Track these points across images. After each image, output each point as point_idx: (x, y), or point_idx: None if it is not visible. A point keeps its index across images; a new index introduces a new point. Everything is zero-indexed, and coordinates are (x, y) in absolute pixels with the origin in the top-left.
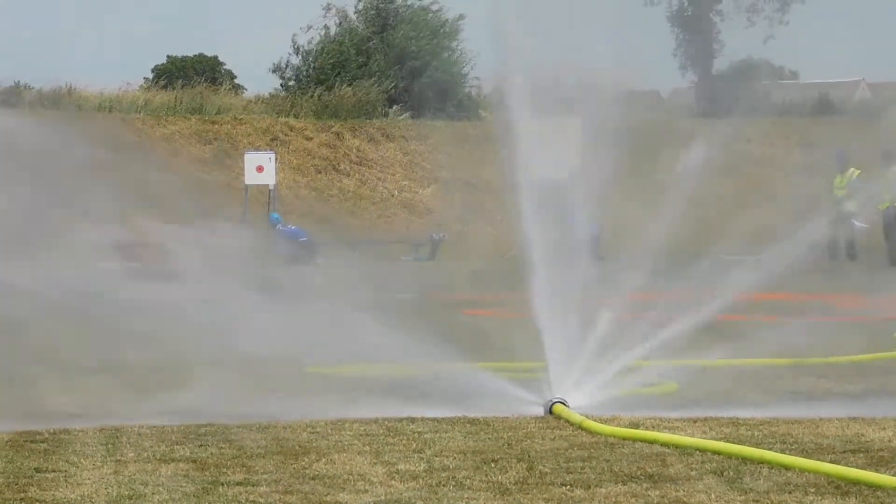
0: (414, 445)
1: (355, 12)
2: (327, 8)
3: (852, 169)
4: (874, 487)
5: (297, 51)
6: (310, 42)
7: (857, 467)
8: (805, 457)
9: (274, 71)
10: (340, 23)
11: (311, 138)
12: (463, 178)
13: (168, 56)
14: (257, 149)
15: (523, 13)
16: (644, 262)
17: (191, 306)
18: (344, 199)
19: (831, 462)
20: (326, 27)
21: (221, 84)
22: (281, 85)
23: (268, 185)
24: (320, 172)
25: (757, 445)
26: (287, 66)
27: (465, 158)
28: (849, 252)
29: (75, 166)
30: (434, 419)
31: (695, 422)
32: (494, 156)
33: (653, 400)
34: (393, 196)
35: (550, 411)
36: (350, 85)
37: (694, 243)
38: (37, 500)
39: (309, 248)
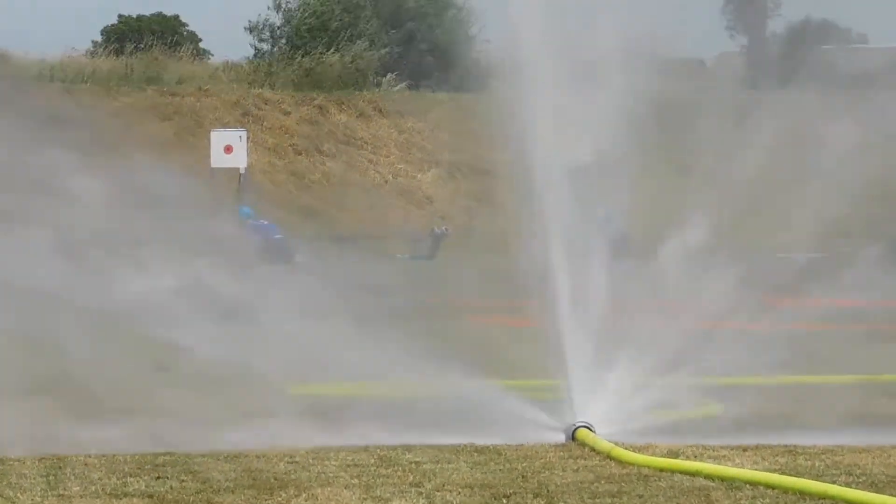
0: (411, 478)
1: None
2: None
3: None
4: None
5: (277, 7)
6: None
7: None
8: (875, 491)
9: (251, 30)
10: None
11: (290, 113)
12: (469, 161)
13: (120, 16)
14: (225, 125)
15: None
16: (683, 261)
17: (148, 315)
18: (328, 186)
19: None
20: None
21: (182, 48)
22: (254, 51)
23: (238, 169)
24: (300, 154)
25: (818, 478)
26: (264, 25)
27: (473, 138)
28: None
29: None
30: (434, 447)
31: (745, 450)
32: (501, 136)
33: (694, 425)
34: (387, 182)
35: (573, 437)
36: (336, 50)
37: (743, 238)
38: None
39: (283, 247)
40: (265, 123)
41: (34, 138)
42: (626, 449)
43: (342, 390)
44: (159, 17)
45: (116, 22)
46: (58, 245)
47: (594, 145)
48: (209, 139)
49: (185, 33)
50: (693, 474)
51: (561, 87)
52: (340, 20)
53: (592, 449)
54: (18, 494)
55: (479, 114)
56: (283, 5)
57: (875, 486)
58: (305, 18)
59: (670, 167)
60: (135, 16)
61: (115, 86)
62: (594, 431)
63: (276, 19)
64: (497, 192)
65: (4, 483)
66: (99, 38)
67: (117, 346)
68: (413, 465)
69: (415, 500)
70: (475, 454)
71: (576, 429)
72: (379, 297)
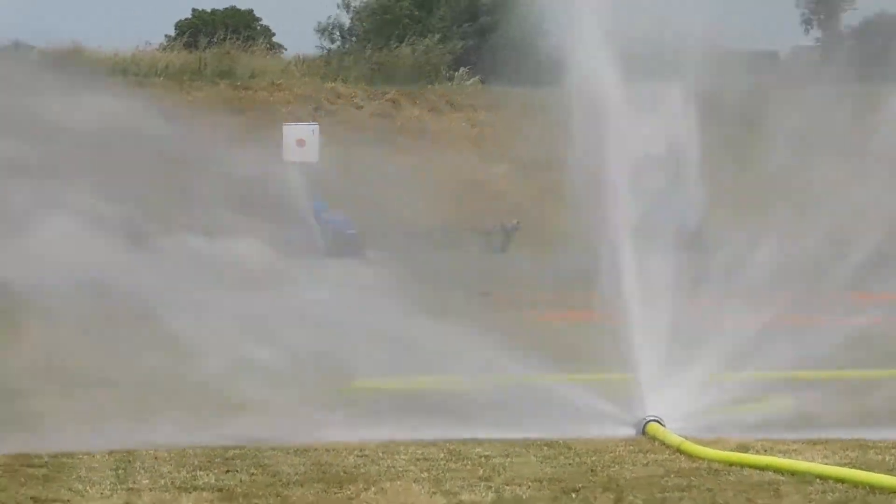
0: (480, 472)
1: None
2: None
3: None
4: None
5: (346, 6)
6: None
7: None
8: None
9: (321, 32)
10: None
11: (362, 107)
12: (542, 156)
13: (193, 10)
14: (298, 120)
15: None
16: (758, 255)
17: (216, 309)
18: (400, 180)
19: None
20: None
21: (256, 43)
22: (325, 52)
23: (310, 163)
24: (372, 147)
25: (889, 472)
26: (334, 26)
27: (546, 132)
28: None
29: (77, 142)
30: (504, 441)
31: (814, 444)
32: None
33: (764, 418)
34: (458, 176)
35: (643, 431)
36: (408, 44)
37: (817, 233)
38: None
39: (356, 242)
40: (337, 117)
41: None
42: (695, 443)
43: (405, 384)
44: (233, 12)
45: (190, 16)
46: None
47: (666, 138)
48: (281, 133)
49: (258, 27)
50: (763, 468)
51: (630, 84)
52: (411, 14)
53: (662, 443)
54: (87, 488)
55: (551, 108)
56: (352, 4)
57: None
58: (380, 13)
59: (745, 160)
60: (209, 10)
61: (188, 80)
62: (664, 425)
63: (346, 19)
64: (568, 186)
65: (73, 477)
66: (172, 33)
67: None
68: (482, 459)
69: (483, 495)
70: (545, 448)
71: (646, 423)
72: (450, 291)
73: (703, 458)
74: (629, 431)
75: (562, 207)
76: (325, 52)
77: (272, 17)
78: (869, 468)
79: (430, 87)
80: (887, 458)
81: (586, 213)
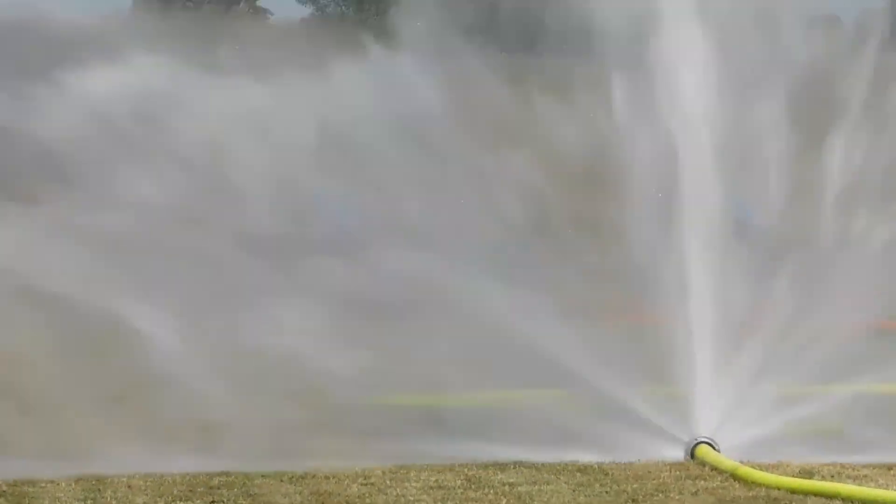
0: (504, 502)
1: None
2: None
3: None
4: None
5: None
6: None
7: None
8: None
9: None
10: None
11: None
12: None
13: None
14: None
15: None
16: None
17: None
18: None
19: None
20: None
21: (237, 7)
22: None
23: None
24: None
25: None
26: None
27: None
28: None
29: None
30: (531, 465)
31: (889, 468)
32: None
33: (827, 440)
34: None
35: (692, 455)
36: None
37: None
38: None
39: None
40: None
41: None
42: (752, 467)
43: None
44: None
45: None
46: None
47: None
48: None
49: None
50: (830, 496)
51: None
52: None
53: (714, 468)
54: None
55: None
56: None
57: None
58: None
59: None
60: None
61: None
62: (717, 448)
63: None
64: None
65: None
66: None
67: None
68: (506, 488)
69: None
70: (578, 474)
71: (695, 445)
72: None
73: (762, 485)
74: (677, 454)
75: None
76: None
77: None
78: None
79: None
80: None
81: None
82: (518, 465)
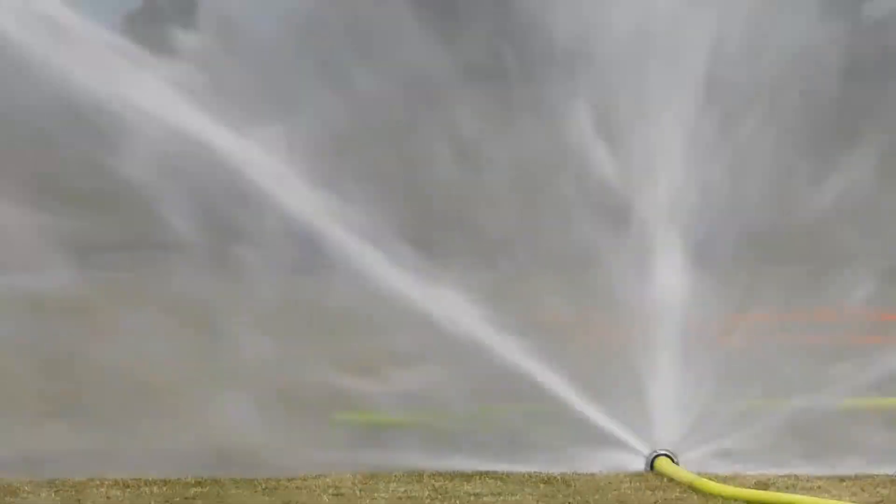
0: None
1: None
2: None
3: None
4: None
5: None
6: None
7: None
8: None
9: None
10: None
11: None
12: None
13: None
14: None
15: None
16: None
17: None
18: None
19: None
20: None
21: None
22: None
23: None
24: None
25: None
26: None
27: None
28: None
29: None
30: (497, 476)
31: (842, 480)
32: None
33: (786, 451)
34: None
35: (651, 467)
36: None
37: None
38: None
39: None
40: None
41: None
42: (710, 479)
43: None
44: None
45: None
46: None
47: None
48: None
49: None
50: None
51: None
52: None
53: (672, 479)
54: None
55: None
56: None
57: None
58: None
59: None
60: None
61: None
62: (675, 460)
63: None
64: None
65: None
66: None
67: None
68: (472, 498)
69: None
70: (542, 485)
71: (655, 457)
72: None
73: (719, 496)
74: (638, 466)
75: None
76: None
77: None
78: None
79: None
80: None
81: None
82: (483, 475)
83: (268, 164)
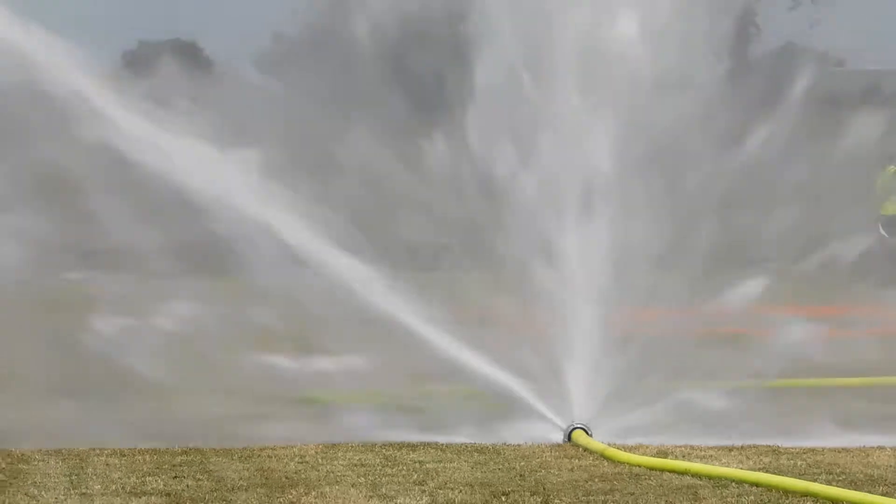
0: (415, 476)
1: None
2: None
3: (892, 167)
4: None
5: (276, 37)
6: None
7: None
8: (854, 489)
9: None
10: None
11: None
12: None
13: (139, 41)
14: None
15: None
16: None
17: None
18: None
19: (884, 495)
20: None
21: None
22: None
23: None
24: None
25: (800, 476)
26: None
27: None
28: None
29: None
30: (437, 446)
31: (730, 450)
32: None
33: (682, 426)
34: None
35: (569, 438)
36: None
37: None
38: None
39: None
40: None
41: None
42: (618, 449)
43: None
44: (177, 43)
45: (136, 47)
46: None
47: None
48: None
49: (202, 58)
50: (682, 473)
51: None
52: None
53: (586, 449)
54: (42, 493)
55: None
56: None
57: (854, 484)
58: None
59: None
60: (154, 41)
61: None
62: (590, 433)
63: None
64: None
65: (29, 482)
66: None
67: None
68: (417, 465)
69: (419, 498)
70: (476, 454)
71: (572, 430)
72: None
73: (625, 463)
74: (557, 438)
75: None
76: None
77: (215, 46)
78: (781, 473)
79: None
80: (798, 463)
81: None
82: (426, 445)
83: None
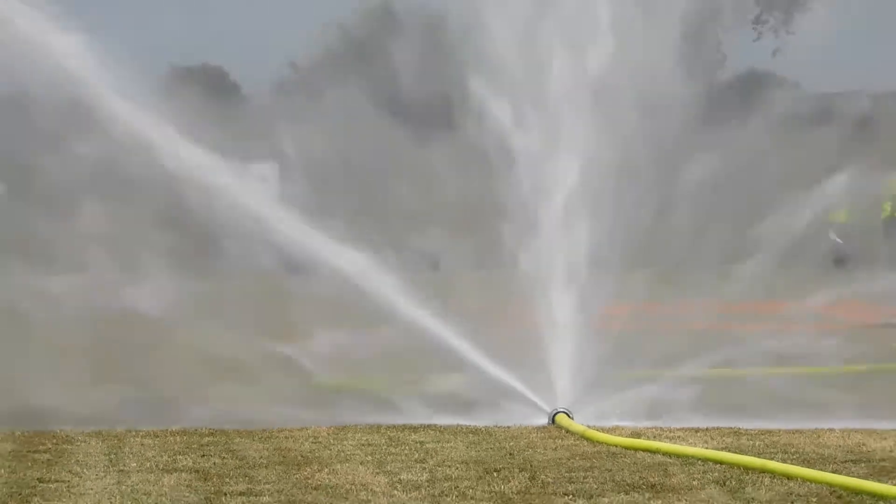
0: (416, 455)
1: None
2: None
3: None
4: (876, 497)
5: (292, 65)
6: None
7: (858, 477)
8: (807, 466)
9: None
10: None
11: None
12: None
13: (170, 66)
14: None
15: None
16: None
17: None
18: None
19: (833, 472)
20: None
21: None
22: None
23: None
24: None
25: (759, 455)
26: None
27: None
28: (836, 260)
29: None
30: (436, 428)
31: (696, 431)
32: None
33: (653, 410)
34: None
35: (553, 421)
36: None
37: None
38: None
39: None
40: None
41: None
42: (596, 430)
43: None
44: (205, 68)
45: (167, 73)
46: None
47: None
48: None
49: (228, 84)
50: (653, 452)
51: None
52: None
53: (569, 431)
54: (84, 470)
55: None
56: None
57: (806, 462)
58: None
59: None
60: (184, 67)
61: None
62: (572, 416)
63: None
64: None
65: (73, 461)
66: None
67: None
68: (418, 445)
69: (420, 474)
70: (470, 434)
71: (555, 414)
72: None
73: (603, 443)
74: (543, 421)
75: None
76: None
77: (239, 71)
78: (742, 452)
79: None
80: (756, 443)
81: None
82: (427, 427)
83: None
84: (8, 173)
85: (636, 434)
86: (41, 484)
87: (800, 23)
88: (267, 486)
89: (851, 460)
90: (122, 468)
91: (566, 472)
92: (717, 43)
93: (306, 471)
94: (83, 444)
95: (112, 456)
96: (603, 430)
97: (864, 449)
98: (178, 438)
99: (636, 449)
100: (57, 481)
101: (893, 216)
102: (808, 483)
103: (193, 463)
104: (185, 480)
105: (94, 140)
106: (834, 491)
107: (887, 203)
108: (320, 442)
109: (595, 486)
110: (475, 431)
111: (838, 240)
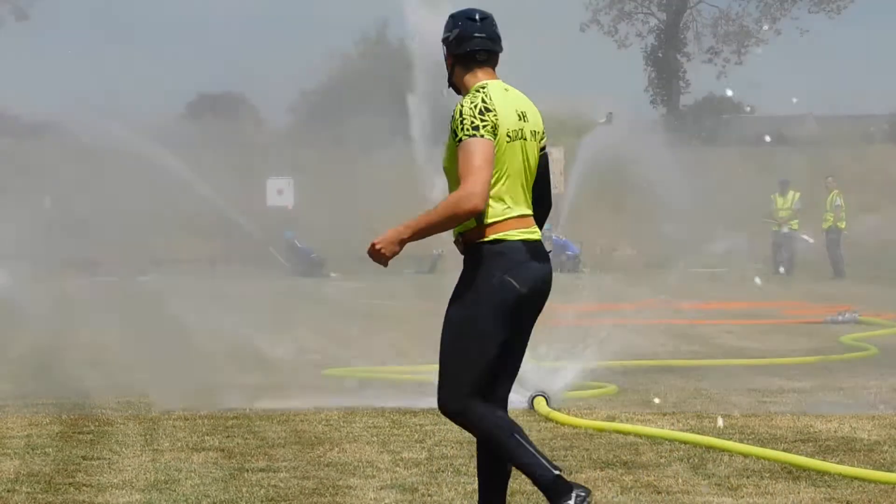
0: (416, 436)
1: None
2: None
3: (792, 192)
4: (821, 473)
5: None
6: None
7: (806, 455)
8: (761, 446)
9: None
10: None
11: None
12: None
13: (198, 93)
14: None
15: None
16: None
17: None
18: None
19: (784, 450)
20: None
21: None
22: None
23: (287, 207)
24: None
25: (719, 436)
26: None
27: None
28: (787, 266)
29: None
30: (434, 412)
31: (664, 415)
32: None
33: (626, 398)
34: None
35: (531, 405)
36: None
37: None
38: (84, 485)
39: (318, 264)
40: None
41: None
42: (574, 414)
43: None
44: (228, 95)
45: (195, 98)
46: None
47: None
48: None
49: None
50: (626, 433)
51: None
52: None
53: (548, 416)
54: (123, 449)
55: None
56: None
57: (761, 442)
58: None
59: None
60: (210, 93)
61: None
62: (548, 399)
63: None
64: None
65: (113, 440)
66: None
67: None
68: (418, 427)
69: (419, 453)
70: None
71: (533, 397)
72: (392, 301)
73: (580, 426)
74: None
75: None
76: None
77: (258, 98)
78: (704, 433)
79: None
80: (717, 426)
81: None
82: (425, 411)
83: None
84: None
85: (610, 417)
86: (85, 461)
87: (750, 55)
88: (284, 463)
89: (800, 440)
90: (156, 447)
91: (549, 450)
92: (682, 71)
93: (319, 450)
94: (122, 426)
95: (147, 436)
96: (580, 413)
97: (812, 430)
98: (205, 421)
99: (610, 431)
100: (99, 458)
101: (834, 226)
102: (762, 460)
103: (219, 443)
104: (212, 458)
105: None
106: (784, 467)
107: (829, 214)
108: (332, 424)
109: (574, 464)
110: None
111: (810, 240)
